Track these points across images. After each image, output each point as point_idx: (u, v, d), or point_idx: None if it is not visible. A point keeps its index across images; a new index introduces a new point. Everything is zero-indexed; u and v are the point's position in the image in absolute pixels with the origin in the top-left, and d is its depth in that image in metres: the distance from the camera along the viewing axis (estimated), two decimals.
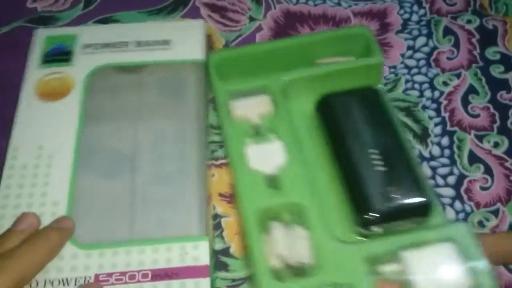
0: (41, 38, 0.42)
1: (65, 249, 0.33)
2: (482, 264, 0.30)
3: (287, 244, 0.33)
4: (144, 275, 0.32)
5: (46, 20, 0.49)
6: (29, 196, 0.35)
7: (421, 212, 0.34)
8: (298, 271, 0.33)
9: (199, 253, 0.33)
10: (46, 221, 0.34)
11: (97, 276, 0.32)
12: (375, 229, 0.34)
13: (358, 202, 0.35)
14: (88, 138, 0.37)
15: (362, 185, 0.34)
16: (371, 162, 0.35)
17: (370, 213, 0.34)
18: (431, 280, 0.30)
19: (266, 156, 0.36)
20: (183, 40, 0.42)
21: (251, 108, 0.39)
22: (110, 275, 0.32)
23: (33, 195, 0.35)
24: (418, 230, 0.33)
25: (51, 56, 0.41)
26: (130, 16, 0.49)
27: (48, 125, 0.38)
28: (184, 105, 0.39)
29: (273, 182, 0.35)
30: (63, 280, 0.32)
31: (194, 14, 0.49)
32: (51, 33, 0.43)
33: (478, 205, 0.40)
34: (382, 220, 0.34)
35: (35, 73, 0.40)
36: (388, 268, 0.31)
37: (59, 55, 0.41)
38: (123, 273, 0.32)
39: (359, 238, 0.35)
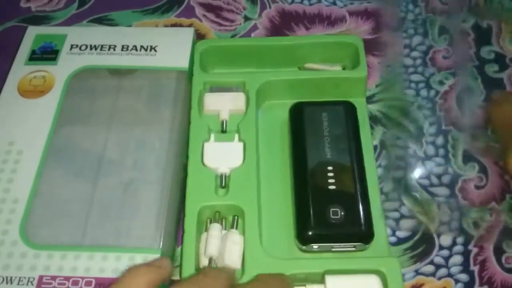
0: (31, 35, 0.42)
1: (16, 247, 0.32)
2: None
3: (219, 246, 0.33)
4: (88, 283, 0.31)
5: (40, 19, 0.49)
6: None
7: (358, 239, 0.33)
8: None
9: None
10: (3, 218, 0.33)
11: (41, 277, 0.31)
12: (314, 246, 0.34)
13: (300, 217, 0.34)
14: (60, 138, 0.37)
15: (307, 201, 0.33)
16: (324, 180, 0.34)
17: (307, 231, 0.33)
18: None
19: (224, 155, 0.35)
20: (170, 47, 0.41)
21: (223, 103, 0.38)
22: (54, 278, 0.31)
23: None
24: (350, 257, 0.33)
25: (38, 54, 0.41)
26: (125, 16, 0.49)
27: (23, 122, 0.37)
28: (159, 114, 0.38)
29: (223, 182, 0.35)
30: (7, 278, 0.31)
31: (189, 13, 0.49)
32: (41, 31, 0.42)
33: (472, 204, 0.40)
34: (319, 240, 0.33)
35: (20, 70, 0.40)
36: None
37: (46, 53, 0.41)
38: (67, 278, 0.32)
39: (301, 251, 0.34)
